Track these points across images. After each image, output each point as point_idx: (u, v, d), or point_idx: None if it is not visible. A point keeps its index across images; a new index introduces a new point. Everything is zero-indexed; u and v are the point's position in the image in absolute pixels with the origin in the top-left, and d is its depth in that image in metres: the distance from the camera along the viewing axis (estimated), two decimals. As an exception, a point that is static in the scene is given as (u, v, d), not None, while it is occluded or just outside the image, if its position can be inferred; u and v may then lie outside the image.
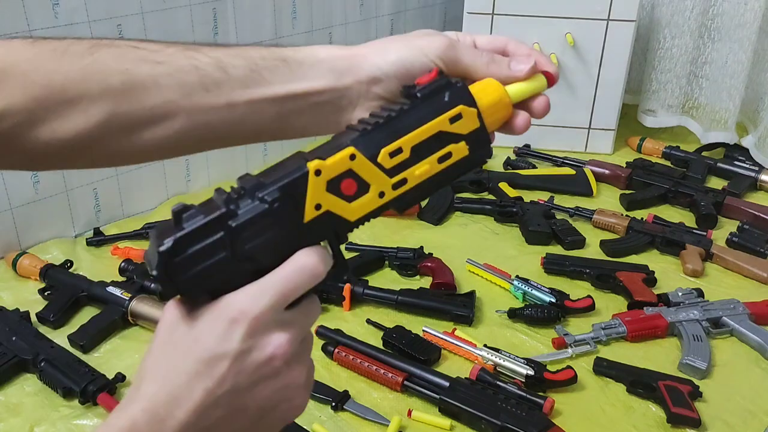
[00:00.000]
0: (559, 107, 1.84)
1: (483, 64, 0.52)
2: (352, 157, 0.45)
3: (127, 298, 1.17)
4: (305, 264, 0.44)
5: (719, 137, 1.86)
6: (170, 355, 0.43)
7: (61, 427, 0.98)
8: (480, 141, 0.49)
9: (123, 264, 1.30)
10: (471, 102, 0.49)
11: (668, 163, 1.81)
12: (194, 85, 0.50)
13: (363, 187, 0.46)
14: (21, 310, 1.16)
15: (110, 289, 1.20)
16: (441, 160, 0.48)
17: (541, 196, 1.60)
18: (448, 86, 0.49)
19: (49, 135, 0.51)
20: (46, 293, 1.23)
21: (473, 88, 0.50)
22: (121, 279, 1.27)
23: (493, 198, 1.61)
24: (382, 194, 0.47)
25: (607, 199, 1.66)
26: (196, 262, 0.42)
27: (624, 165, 1.75)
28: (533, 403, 0.99)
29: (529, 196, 1.61)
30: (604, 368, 1.09)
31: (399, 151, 0.47)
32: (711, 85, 1.87)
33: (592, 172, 1.71)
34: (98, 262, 1.35)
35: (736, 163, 1.78)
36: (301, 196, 0.44)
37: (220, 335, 0.42)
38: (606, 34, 1.73)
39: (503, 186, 1.62)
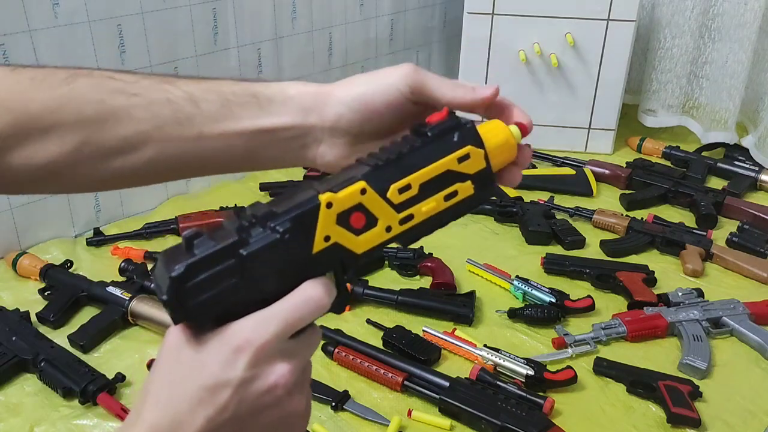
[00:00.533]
0: (559, 107, 1.86)
1: (449, 88, 0.53)
2: (363, 191, 0.46)
3: (127, 298, 1.17)
4: (311, 296, 0.45)
5: (719, 137, 1.86)
6: (173, 380, 0.44)
7: (61, 427, 0.98)
8: (485, 181, 0.51)
9: (123, 264, 1.30)
10: (479, 143, 0.50)
11: (668, 163, 1.81)
12: (167, 118, 0.52)
13: (371, 221, 0.47)
14: (21, 310, 1.16)
15: (110, 289, 1.20)
16: (447, 197, 0.50)
17: (541, 196, 1.60)
18: (457, 126, 0.50)
19: (23, 161, 0.52)
20: (46, 293, 1.23)
21: (481, 129, 0.51)
22: (121, 279, 1.27)
23: (493, 198, 1.61)
24: (389, 228, 0.48)
25: (607, 199, 1.66)
26: (205, 289, 0.43)
27: (624, 165, 1.75)
28: (533, 403, 0.99)
29: (529, 196, 1.61)
30: (604, 368, 1.09)
31: (408, 187, 0.48)
32: (711, 85, 1.86)
33: (592, 172, 1.71)
34: (98, 262, 1.36)
35: (736, 163, 1.78)
36: (312, 228, 0.45)
37: (224, 363, 0.42)
38: (606, 34, 1.73)
39: (503, 186, 1.62)
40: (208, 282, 0.43)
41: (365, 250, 0.48)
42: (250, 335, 0.43)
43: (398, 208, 0.48)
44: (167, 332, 0.45)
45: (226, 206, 1.49)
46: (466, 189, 0.50)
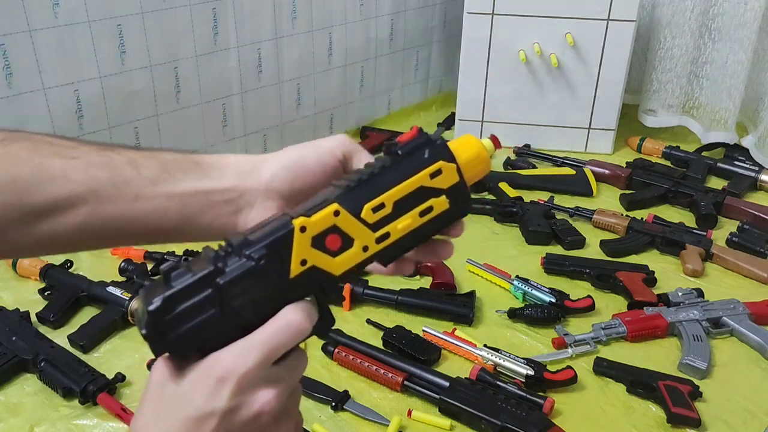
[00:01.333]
0: (559, 107, 1.86)
1: None
2: (336, 213, 0.47)
3: (127, 298, 1.18)
4: (291, 321, 0.45)
5: (719, 137, 1.86)
6: (160, 415, 0.44)
7: (61, 427, 0.98)
8: (460, 194, 0.51)
9: (123, 264, 1.30)
10: (450, 158, 0.50)
11: (668, 163, 1.81)
12: (103, 181, 0.51)
13: (347, 242, 0.48)
14: (21, 310, 1.16)
15: (110, 289, 1.20)
16: (422, 213, 0.50)
17: (541, 196, 1.60)
18: (428, 143, 0.50)
19: None
20: (46, 293, 1.23)
21: (452, 145, 0.51)
22: (121, 279, 1.27)
23: (493, 198, 1.61)
24: (366, 248, 0.48)
25: (607, 199, 1.66)
26: (185, 320, 0.43)
27: (624, 165, 1.75)
28: (533, 403, 0.99)
29: (529, 196, 1.61)
30: (604, 368, 1.09)
31: (381, 206, 0.48)
32: (711, 85, 1.86)
33: (592, 172, 1.71)
34: (98, 262, 1.35)
35: (736, 163, 1.78)
36: (287, 253, 0.46)
37: (208, 394, 0.43)
38: (606, 34, 1.73)
39: (503, 186, 1.62)
40: (187, 313, 0.43)
41: (343, 271, 0.48)
42: (232, 364, 0.43)
43: (374, 227, 0.48)
44: (152, 367, 0.46)
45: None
46: (441, 204, 0.50)
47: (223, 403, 0.42)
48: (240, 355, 0.43)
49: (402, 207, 0.49)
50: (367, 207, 0.48)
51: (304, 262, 0.46)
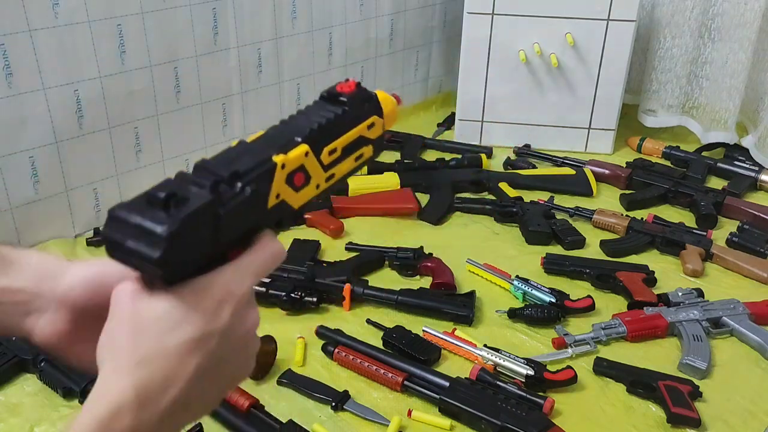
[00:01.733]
0: (559, 107, 1.86)
1: None
2: (307, 154, 0.52)
3: (127, 298, 1.17)
4: (275, 248, 0.49)
5: (719, 137, 1.86)
6: (154, 337, 0.43)
7: (61, 427, 0.98)
8: (380, 144, 0.59)
9: (123, 264, 1.30)
10: (381, 114, 0.58)
11: (668, 163, 1.81)
12: None
13: (307, 180, 0.53)
14: (21, 310, 1.16)
15: (110, 289, 1.20)
16: (357, 159, 0.57)
17: (541, 196, 1.60)
18: (368, 98, 0.58)
19: None
20: (46, 293, 1.23)
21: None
22: (121, 279, 1.27)
23: (493, 198, 1.61)
24: (318, 186, 0.54)
25: (607, 199, 1.66)
26: (188, 246, 0.44)
27: (624, 165, 1.75)
28: (533, 403, 0.99)
29: (529, 196, 1.61)
30: (604, 368, 1.09)
31: (335, 150, 0.54)
32: (711, 85, 1.86)
33: (592, 172, 1.71)
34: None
35: (736, 163, 1.78)
36: (269, 186, 0.49)
37: (210, 314, 0.44)
38: (606, 34, 1.73)
39: (503, 186, 1.62)
40: (191, 239, 0.43)
41: (300, 204, 0.53)
42: (232, 287, 0.45)
43: (326, 168, 0.54)
44: (118, 292, 0.44)
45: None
46: (368, 151, 0.58)
47: (224, 322, 0.45)
48: (237, 279, 0.46)
49: (347, 152, 0.56)
50: (326, 150, 0.53)
51: (278, 196, 0.50)
